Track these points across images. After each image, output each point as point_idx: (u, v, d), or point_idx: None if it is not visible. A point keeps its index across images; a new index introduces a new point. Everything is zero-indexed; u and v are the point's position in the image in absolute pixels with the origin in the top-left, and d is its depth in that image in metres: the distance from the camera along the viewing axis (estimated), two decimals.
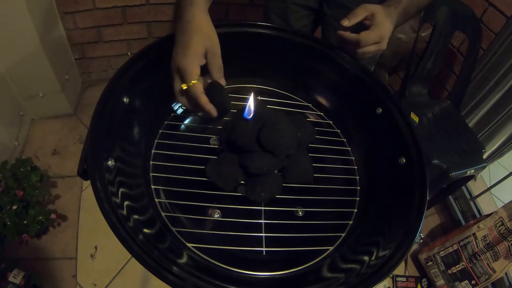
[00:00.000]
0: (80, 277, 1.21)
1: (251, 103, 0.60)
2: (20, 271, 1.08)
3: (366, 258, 0.55)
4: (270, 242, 0.59)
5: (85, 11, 1.38)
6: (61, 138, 1.52)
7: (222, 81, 0.59)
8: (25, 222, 1.10)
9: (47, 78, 1.37)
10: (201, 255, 0.55)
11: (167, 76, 0.67)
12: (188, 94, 0.56)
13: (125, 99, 0.59)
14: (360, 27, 0.69)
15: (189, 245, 0.55)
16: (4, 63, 1.25)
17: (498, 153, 1.44)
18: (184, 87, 0.55)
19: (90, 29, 1.46)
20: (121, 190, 0.52)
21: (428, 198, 0.58)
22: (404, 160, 0.64)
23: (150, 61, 0.63)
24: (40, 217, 1.14)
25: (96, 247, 1.28)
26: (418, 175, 0.61)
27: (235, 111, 0.68)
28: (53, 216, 1.20)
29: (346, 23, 0.68)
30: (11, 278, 1.04)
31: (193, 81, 0.54)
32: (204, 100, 0.55)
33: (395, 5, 0.71)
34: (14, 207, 1.08)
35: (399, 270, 1.44)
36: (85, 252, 1.27)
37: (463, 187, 1.52)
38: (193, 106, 0.57)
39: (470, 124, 1.42)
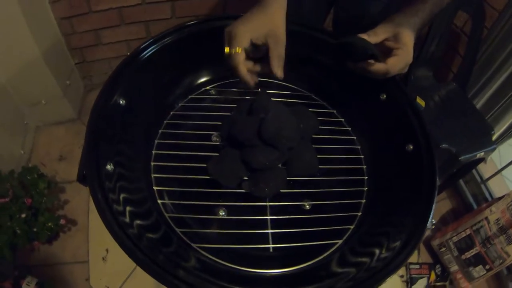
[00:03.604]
0: (93, 281, 1.22)
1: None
2: (33, 278, 1.08)
3: (377, 250, 0.54)
4: (277, 238, 0.58)
5: (81, 15, 1.37)
6: (66, 143, 1.52)
7: (279, 72, 0.57)
8: (35, 229, 1.11)
9: (49, 84, 1.37)
10: (208, 255, 0.54)
11: (163, 75, 0.67)
12: (228, 60, 0.57)
13: (121, 101, 0.58)
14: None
15: (195, 246, 0.54)
16: (4, 73, 1.24)
17: (507, 133, 1.41)
18: (227, 50, 0.56)
19: (88, 33, 1.46)
20: (122, 195, 0.52)
21: (438, 184, 0.56)
22: (411, 147, 0.62)
23: (145, 60, 0.62)
24: (50, 224, 1.14)
25: (107, 250, 1.28)
26: (427, 162, 0.59)
27: (235, 105, 0.67)
28: (62, 221, 1.21)
29: (366, 38, 0.61)
30: (24, 286, 1.05)
31: (238, 49, 0.55)
32: (242, 71, 0.56)
33: (420, 14, 0.63)
34: (23, 215, 1.09)
35: (412, 257, 1.42)
36: (97, 255, 1.27)
37: (473, 170, 1.50)
38: (234, 72, 0.58)
39: (478, 106, 1.39)
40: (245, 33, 0.55)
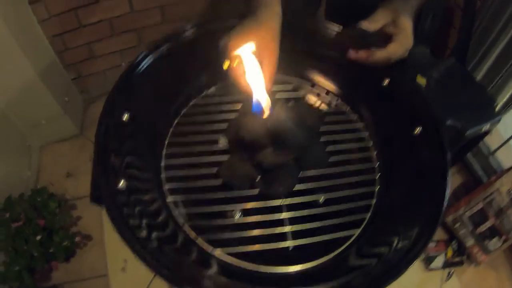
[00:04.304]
0: None
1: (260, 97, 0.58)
2: None
3: (394, 239, 0.54)
4: (296, 235, 0.58)
5: (72, 30, 1.37)
6: (72, 159, 1.52)
7: (269, 87, 0.58)
8: (51, 250, 1.12)
9: (48, 104, 1.37)
10: (229, 259, 0.54)
11: (163, 84, 0.67)
12: (228, 74, 0.58)
13: (125, 117, 0.58)
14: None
15: (215, 251, 0.54)
16: (2, 98, 1.25)
17: (511, 103, 1.40)
18: (225, 65, 0.57)
19: (80, 47, 1.45)
20: (137, 209, 0.52)
21: (450, 175, 0.56)
22: (419, 130, 0.62)
23: (142, 73, 0.62)
24: (66, 242, 1.15)
25: (125, 260, 1.29)
26: (436, 143, 0.59)
27: (238, 106, 0.67)
28: (77, 239, 1.22)
29: (366, 25, 0.60)
30: None
31: (235, 62, 0.56)
32: (242, 83, 0.57)
33: None
34: (38, 237, 1.09)
35: None
36: (116, 267, 1.28)
37: (480, 143, 1.49)
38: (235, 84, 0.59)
39: (478, 78, 1.39)
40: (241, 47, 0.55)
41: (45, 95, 1.33)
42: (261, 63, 0.56)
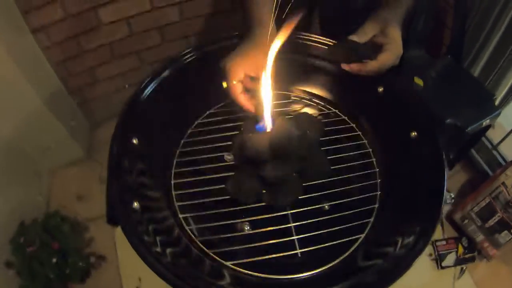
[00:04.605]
0: None
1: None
2: None
3: (399, 238, 0.56)
4: (303, 243, 0.60)
5: (74, 57, 1.40)
6: (82, 182, 1.55)
7: None
8: (67, 271, 1.14)
9: (55, 129, 1.40)
10: (241, 270, 0.56)
11: (168, 107, 0.69)
12: (228, 93, 0.63)
13: (134, 141, 0.60)
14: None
15: (228, 263, 0.57)
16: (11, 127, 1.27)
17: (510, 95, 1.41)
18: (225, 85, 0.63)
19: (83, 73, 1.49)
20: (151, 227, 0.54)
21: (447, 161, 0.58)
22: (415, 133, 0.64)
23: (147, 98, 0.65)
24: (80, 264, 1.17)
25: (140, 279, 1.30)
26: (432, 144, 0.61)
27: (242, 123, 0.70)
28: (92, 260, 1.24)
29: (356, 38, 0.63)
30: None
31: (233, 82, 0.61)
32: (241, 100, 0.63)
33: (403, 4, 0.65)
34: (54, 260, 1.12)
35: (437, 234, 1.42)
36: (131, 285, 1.29)
37: (483, 137, 1.50)
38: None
39: (475, 74, 1.40)
40: (238, 67, 0.60)
41: (51, 121, 1.36)
42: (258, 81, 0.60)
